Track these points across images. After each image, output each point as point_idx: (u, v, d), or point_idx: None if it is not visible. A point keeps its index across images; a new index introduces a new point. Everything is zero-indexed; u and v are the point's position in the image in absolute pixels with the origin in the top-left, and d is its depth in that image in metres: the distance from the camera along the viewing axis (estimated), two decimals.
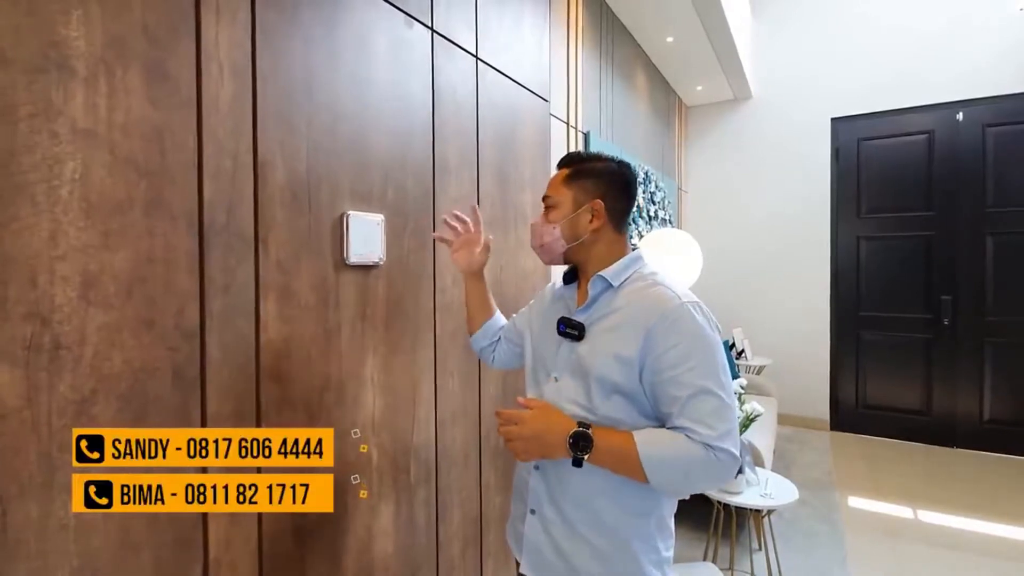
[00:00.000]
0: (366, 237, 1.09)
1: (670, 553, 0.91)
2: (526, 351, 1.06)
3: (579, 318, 0.93)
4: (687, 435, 0.78)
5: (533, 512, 0.94)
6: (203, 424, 0.81)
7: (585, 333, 0.91)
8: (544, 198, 0.99)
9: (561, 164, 1.00)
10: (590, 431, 0.82)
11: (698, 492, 0.82)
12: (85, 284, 0.67)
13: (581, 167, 0.96)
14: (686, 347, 0.81)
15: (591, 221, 0.93)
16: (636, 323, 0.84)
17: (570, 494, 0.90)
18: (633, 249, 0.97)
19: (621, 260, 0.93)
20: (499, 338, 1.19)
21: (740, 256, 4.35)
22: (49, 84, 0.64)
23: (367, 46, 1.10)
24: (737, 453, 0.79)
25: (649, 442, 0.80)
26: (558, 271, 2.49)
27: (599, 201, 0.93)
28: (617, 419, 0.85)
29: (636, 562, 0.86)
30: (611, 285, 0.91)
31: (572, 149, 2.44)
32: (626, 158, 1.01)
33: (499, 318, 1.21)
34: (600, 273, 0.92)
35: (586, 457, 0.81)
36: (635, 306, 0.87)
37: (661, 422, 0.85)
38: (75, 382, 0.67)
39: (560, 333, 0.94)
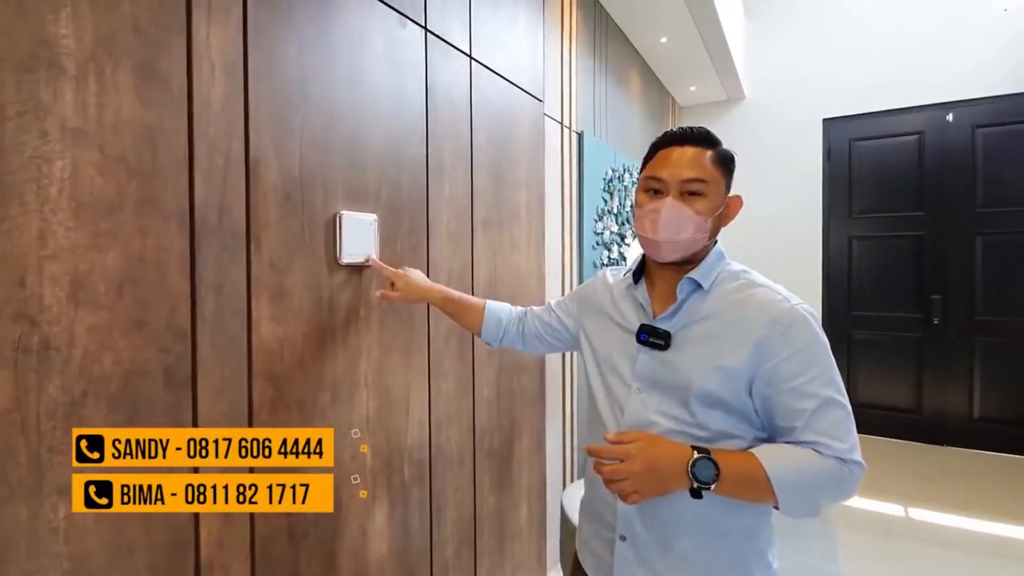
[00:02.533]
0: (360, 237, 1.08)
1: (777, 564, 0.84)
2: (586, 356, 0.96)
3: (663, 326, 0.82)
4: (816, 450, 0.71)
5: (624, 539, 0.84)
6: (195, 425, 0.80)
7: (671, 342, 0.81)
8: (691, 180, 0.80)
9: (693, 140, 0.81)
10: (711, 456, 0.71)
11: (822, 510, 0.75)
12: (75, 284, 0.67)
13: (723, 151, 0.82)
14: (806, 355, 0.73)
15: (724, 219, 0.83)
16: (740, 331, 0.76)
17: (667, 513, 0.79)
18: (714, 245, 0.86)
19: (707, 258, 0.84)
20: (517, 324, 1.11)
21: (733, 255, 4.32)
22: (38, 82, 0.63)
23: (361, 45, 1.10)
24: (864, 464, 0.72)
25: (777, 463, 0.71)
26: (555, 272, 2.45)
27: (740, 198, 0.82)
28: (720, 430, 0.77)
29: None
30: (700, 287, 0.82)
31: (566, 150, 2.42)
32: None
33: (495, 308, 1.12)
34: (689, 275, 0.82)
35: (712, 487, 0.70)
36: (736, 312, 0.78)
37: (772, 435, 0.78)
38: (65, 383, 0.66)
39: (641, 342, 0.83)
